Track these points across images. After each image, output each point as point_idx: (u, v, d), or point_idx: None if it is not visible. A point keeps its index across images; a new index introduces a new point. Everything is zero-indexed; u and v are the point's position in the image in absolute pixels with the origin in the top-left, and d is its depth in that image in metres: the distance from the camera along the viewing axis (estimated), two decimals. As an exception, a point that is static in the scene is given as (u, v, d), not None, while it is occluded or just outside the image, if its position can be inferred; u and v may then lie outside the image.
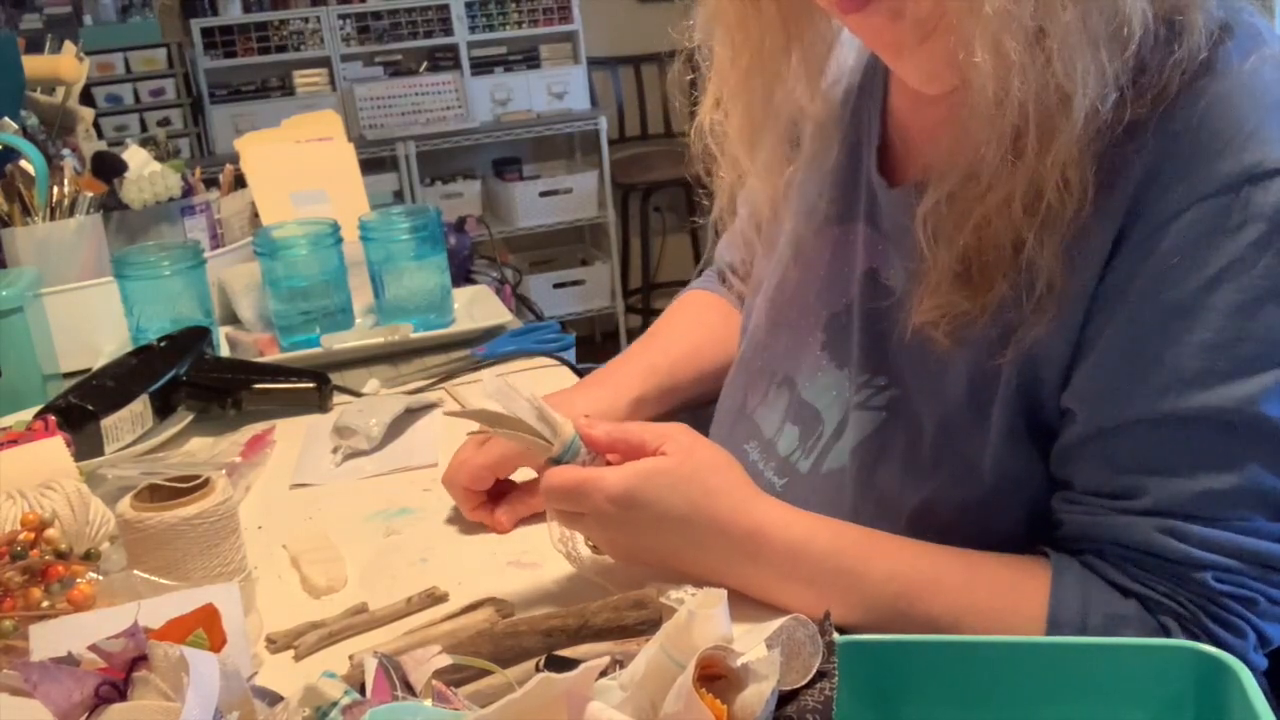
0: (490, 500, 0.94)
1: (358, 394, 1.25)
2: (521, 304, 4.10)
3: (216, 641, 0.61)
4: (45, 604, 0.76)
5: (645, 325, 4.59)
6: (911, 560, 0.76)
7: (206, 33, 4.30)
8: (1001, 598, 0.74)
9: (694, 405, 1.10)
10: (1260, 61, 0.71)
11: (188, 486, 0.83)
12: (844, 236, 0.92)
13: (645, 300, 4.63)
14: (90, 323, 1.43)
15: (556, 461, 0.78)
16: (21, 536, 0.81)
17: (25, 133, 1.74)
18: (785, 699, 0.51)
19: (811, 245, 0.95)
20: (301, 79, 4.46)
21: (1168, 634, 0.70)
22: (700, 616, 0.50)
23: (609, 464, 0.78)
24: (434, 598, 0.82)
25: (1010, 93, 0.69)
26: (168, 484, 0.83)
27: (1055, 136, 0.70)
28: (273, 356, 1.40)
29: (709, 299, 1.17)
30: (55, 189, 1.54)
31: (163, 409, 1.19)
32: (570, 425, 0.78)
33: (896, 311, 0.83)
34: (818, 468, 0.89)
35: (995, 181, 0.72)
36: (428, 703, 0.56)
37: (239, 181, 1.76)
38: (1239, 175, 0.68)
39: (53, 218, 1.53)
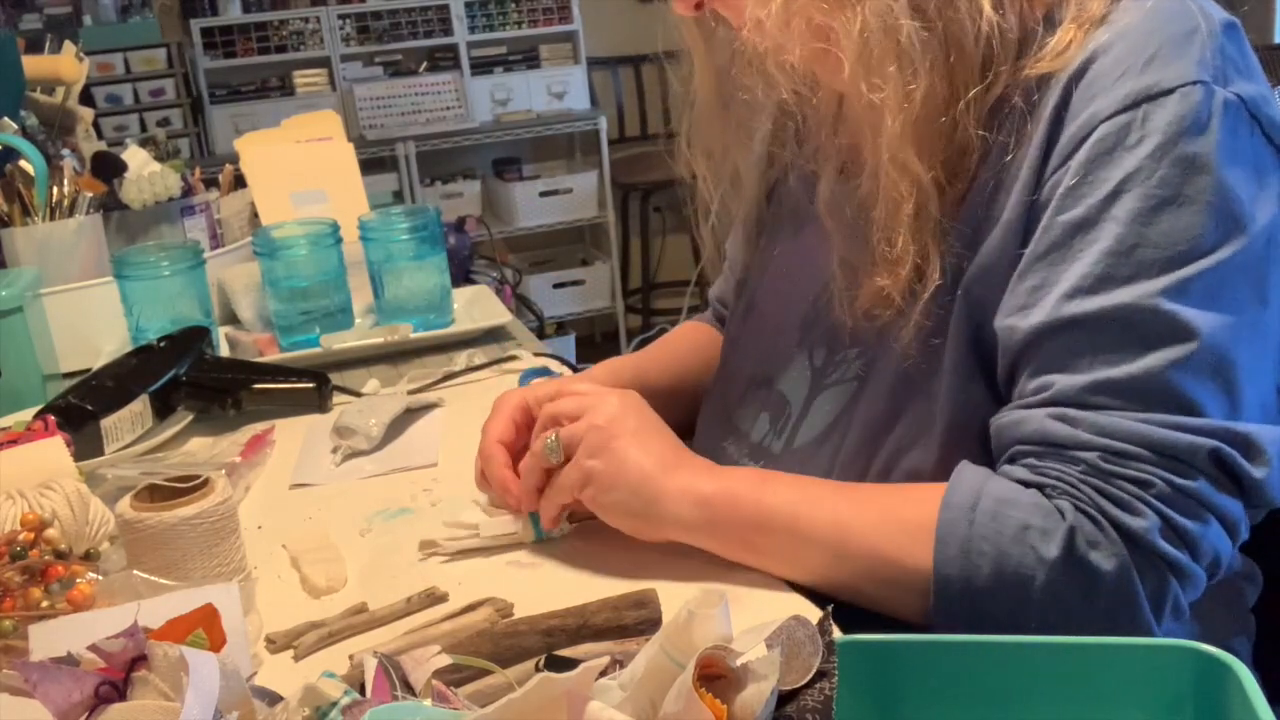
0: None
1: (358, 394, 1.25)
2: (521, 304, 4.09)
3: (216, 641, 0.61)
4: (45, 604, 0.76)
5: (645, 325, 4.59)
6: (833, 484, 0.82)
7: (206, 33, 4.30)
8: (909, 489, 0.79)
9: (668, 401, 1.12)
10: (1160, 3, 0.76)
11: (187, 486, 0.83)
12: (812, 237, 0.94)
13: (645, 300, 4.63)
14: (90, 323, 1.43)
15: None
16: (21, 536, 0.81)
17: (25, 133, 1.74)
18: (785, 699, 0.51)
19: (786, 253, 0.99)
20: (301, 79, 4.46)
21: (1062, 515, 0.72)
22: (700, 616, 0.50)
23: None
24: (434, 598, 0.82)
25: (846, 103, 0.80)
26: (167, 484, 0.83)
27: (879, 137, 0.77)
28: (272, 356, 1.40)
29: (699, 326, 1.19)
30: (55, 189, 1.54)
31: (162, 409, 1.19)
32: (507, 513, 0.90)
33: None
34: (789, 445, 0.92)
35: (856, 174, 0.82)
36: (428, 703, 0.56)
37: (239, 181, 1.76)
38: (1138, 95, 0.73)
39: (53, 218, 1.53)
